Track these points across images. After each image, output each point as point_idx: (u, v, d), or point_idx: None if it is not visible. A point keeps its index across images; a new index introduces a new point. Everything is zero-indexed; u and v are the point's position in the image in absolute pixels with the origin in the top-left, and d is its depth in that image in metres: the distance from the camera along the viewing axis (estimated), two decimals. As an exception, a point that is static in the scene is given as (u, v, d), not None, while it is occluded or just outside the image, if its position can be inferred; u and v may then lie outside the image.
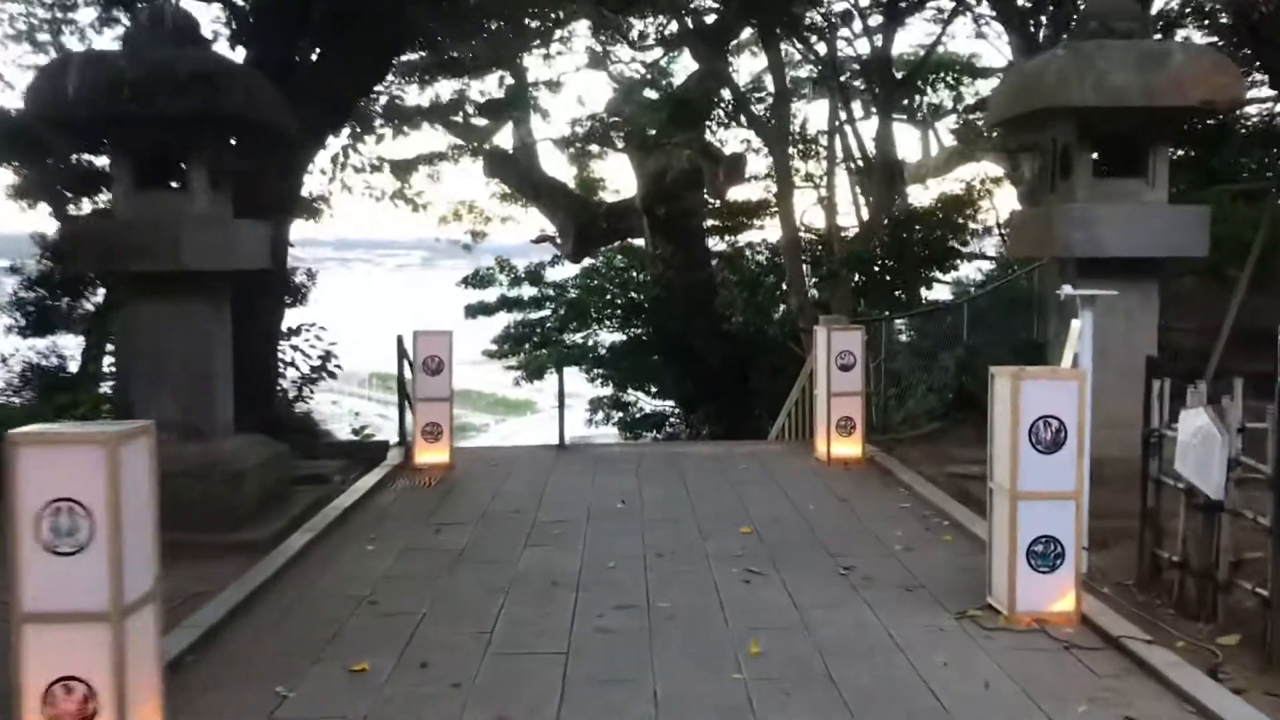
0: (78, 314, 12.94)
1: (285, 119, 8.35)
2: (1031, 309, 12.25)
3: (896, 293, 15.70)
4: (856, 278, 15.65)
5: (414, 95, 18.15)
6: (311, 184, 15.39)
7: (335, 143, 15.87)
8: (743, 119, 17.87)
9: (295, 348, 12.30)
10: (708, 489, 8.77)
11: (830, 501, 8.40)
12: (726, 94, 18.01)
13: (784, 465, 9.65)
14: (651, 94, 19.81)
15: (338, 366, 12.68)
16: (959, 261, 17.22)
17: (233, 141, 8.17)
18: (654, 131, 18.12)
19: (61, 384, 11.41)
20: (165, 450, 4.61)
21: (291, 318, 13.29)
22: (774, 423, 19.48)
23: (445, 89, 18.56)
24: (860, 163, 18.09)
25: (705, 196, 21.23)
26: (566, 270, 22.67)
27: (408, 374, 10.07)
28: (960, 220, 17.30)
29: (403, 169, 20.34)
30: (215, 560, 6.60)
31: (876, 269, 15.61)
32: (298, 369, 12.39)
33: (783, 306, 18.90)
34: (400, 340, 10.08)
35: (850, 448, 9.89)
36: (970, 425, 10.28)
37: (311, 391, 12.12)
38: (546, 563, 6.75)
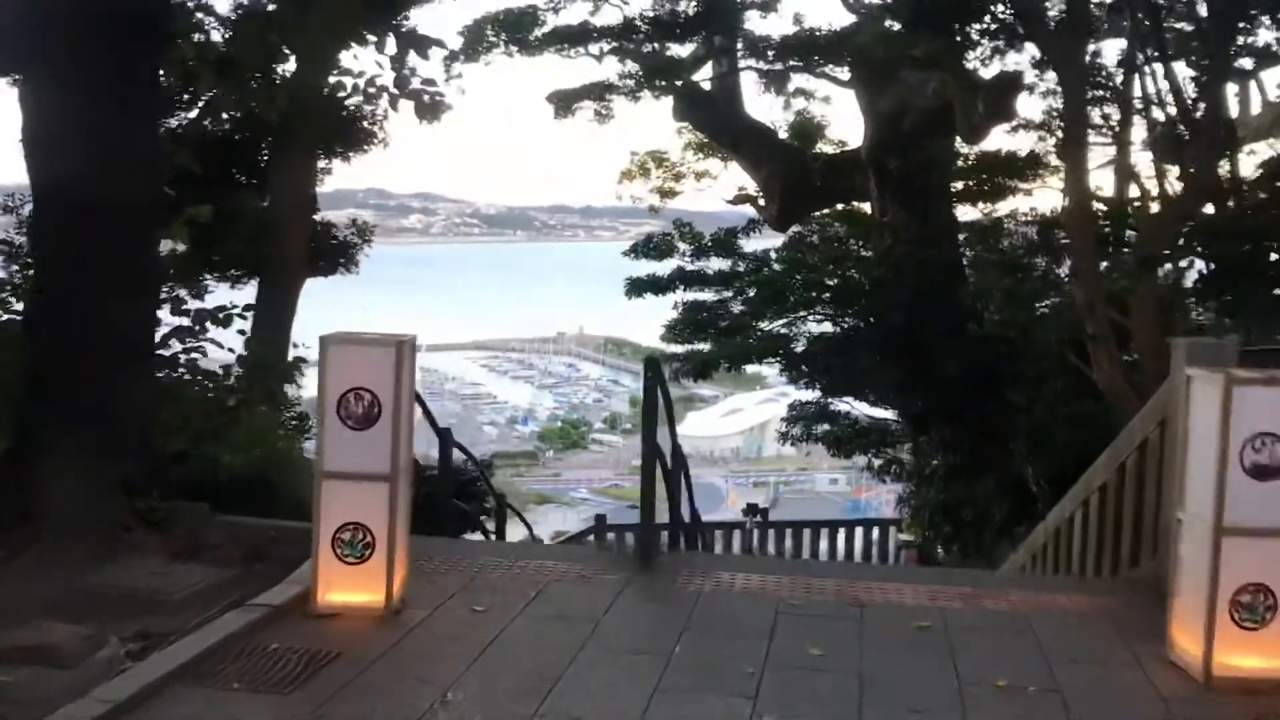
0: None
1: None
2: None
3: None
4: (1200, 266, 10.25)
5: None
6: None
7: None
8: (1020, 28, 12.48)
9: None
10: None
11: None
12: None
13: (1097, 676, 4.29)
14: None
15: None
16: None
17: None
18: (889, 38, 13.03)
19: None
20: None
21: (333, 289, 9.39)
22: (1032, 470, 14.43)
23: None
24: (1171, 116, 12.68)
25: (954, 146, 16.06)
26: (767, 239, 17.93)
27: (328, 416, 5.07)
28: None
29: (565, 101, 16.11)
30: None
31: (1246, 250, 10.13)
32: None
33: (1052, 300, 13.83)
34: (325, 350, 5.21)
35: (1264, 659, 4.23)
36: None
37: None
38: None
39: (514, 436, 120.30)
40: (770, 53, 16.61)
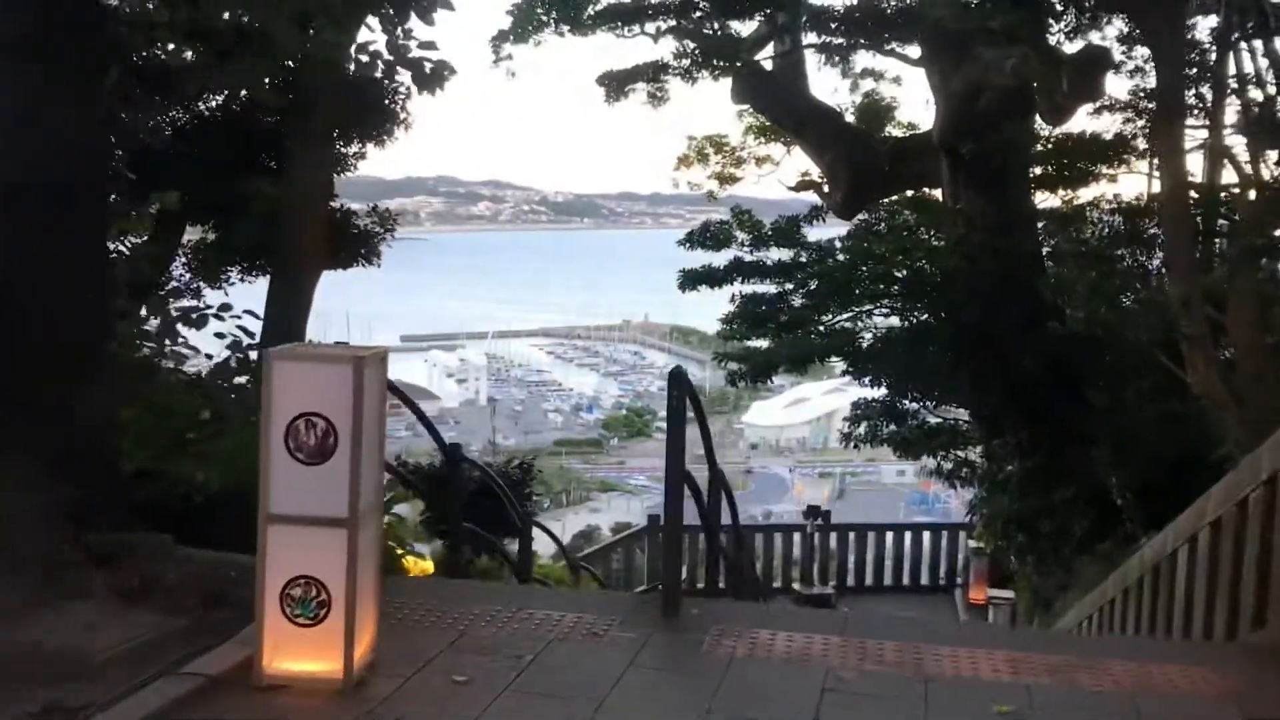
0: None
1: None
2: None
3: None
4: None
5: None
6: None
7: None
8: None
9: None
10: None
11: None
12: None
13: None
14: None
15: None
16: None
17: None
18: (964, 10, 11.97)
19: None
20: None
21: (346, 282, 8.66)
22: (1116, 478, 13.33)
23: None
24: (1270, 95, 11.53)
25: (1033, 128, 14.95)
26: (831, 228, 16.95)
27: (273, 447, 3.92)
28: None
29: (617, 83, 15.25)
30: None
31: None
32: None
33: (1140, 294, 12.73)
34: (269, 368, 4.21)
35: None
36: None
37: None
38: None
39: (578, 424, 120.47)
40: (836, 28, 15.58)
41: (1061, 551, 13.35)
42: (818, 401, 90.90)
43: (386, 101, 9.86)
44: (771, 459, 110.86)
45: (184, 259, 10.32)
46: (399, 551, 6.84)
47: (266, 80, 7.85)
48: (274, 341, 8.52)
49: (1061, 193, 16.34)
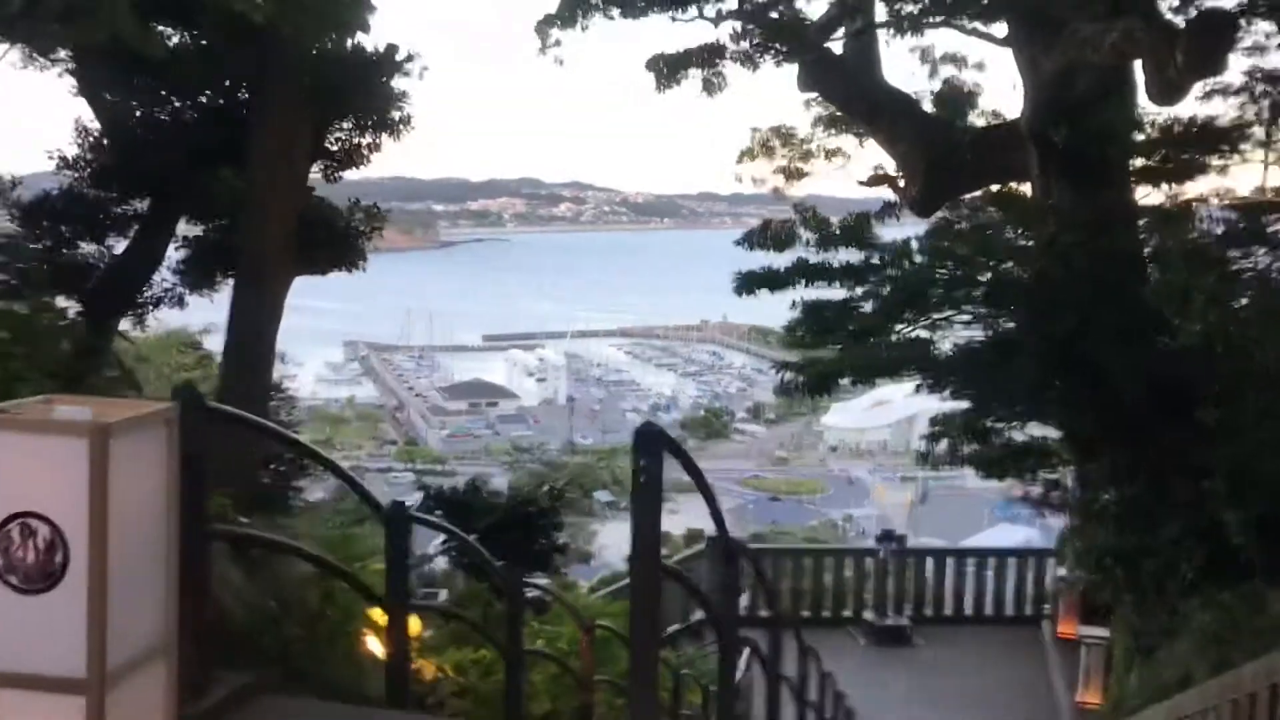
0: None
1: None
2: None
3: None
4: None
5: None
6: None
7: None
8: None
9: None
10: None
11: None
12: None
13: None
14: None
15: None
16: None
17: None
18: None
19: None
20: None
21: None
22: (1233, 513, 11.66)
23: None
24: None
25: (1135, 114, 13.34)
26: (906, 227, 15.45)
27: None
28: None
29: (669, 68, 13.96)
30: None
31: None
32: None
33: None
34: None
35: None
36: None
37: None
38: None
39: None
40: (913, 6, 14.08)
41: (1166, 592, 11.77)
42: (900, 404, 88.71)
43: (383, 80, 8.68)
44: (852, 462, 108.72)
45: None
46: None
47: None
48: (237, 360, 7.40)
49: (1165, 187, 14.69)
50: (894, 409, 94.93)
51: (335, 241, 8.87)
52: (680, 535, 60.44)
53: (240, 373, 7.81)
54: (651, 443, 3.05)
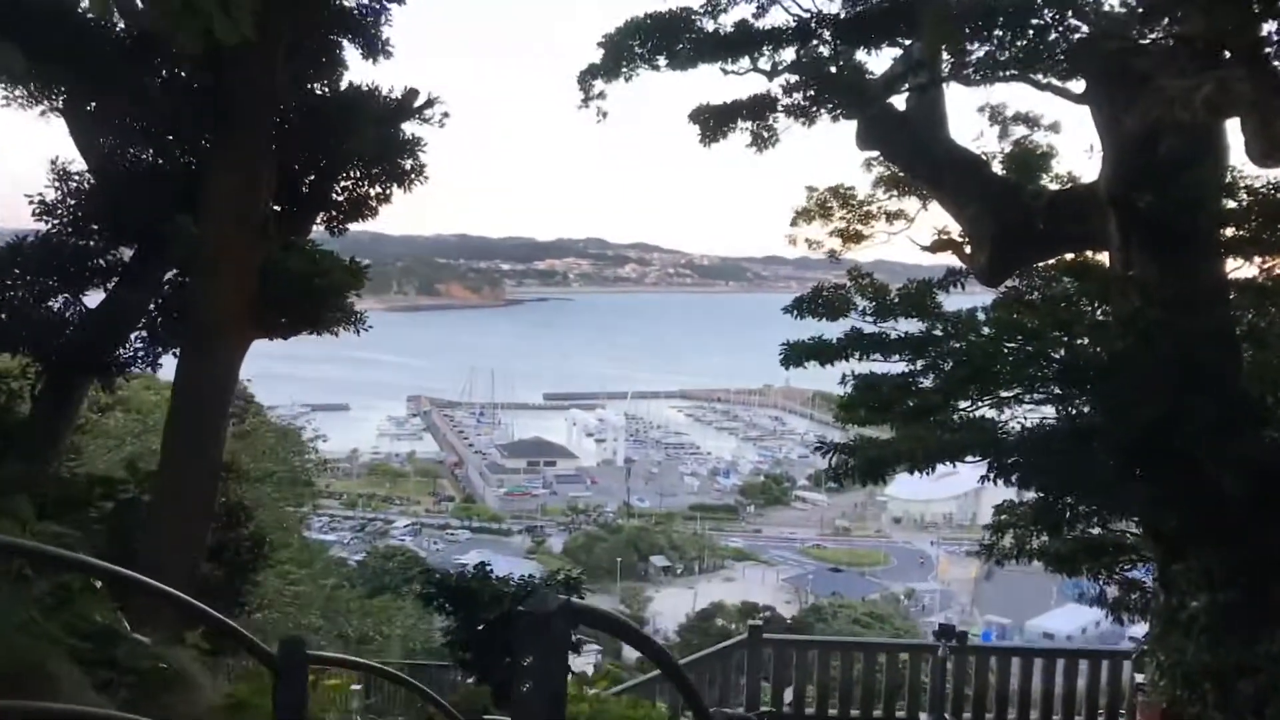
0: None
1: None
2: None
3: None
4: None
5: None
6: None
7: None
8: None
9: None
10: None
11: None
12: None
13: None
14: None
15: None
16: None
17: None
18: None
19: None
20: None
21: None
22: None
23: None
24: None
25: (1225, 179, 12.13)
26: (973, 297, 14.25)
27: None
28: None
29: (715, 120, 13.03)
30: None
31: None
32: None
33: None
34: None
35: None
36: None
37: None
38: None
39: (715, 489, 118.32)
40: (983, 61, 13.04)
41: (1265, 717, 10.36)
42: (967, 475, 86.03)
43: (390, 127, 7.78)
44: (915, 534, 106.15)
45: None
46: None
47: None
48: (179, 434, 6.47)
49: (1261, 259, 13.38)
50: (960, 480, 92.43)
51: (303, 301, 7.85)
52: (735, 606, 58.88)
53: (179, 448, 6.87)
54: (535, 625, 1.98)
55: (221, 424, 6.92)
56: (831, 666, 15.79)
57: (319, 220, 9.24)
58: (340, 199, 9.29)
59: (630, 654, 61.88)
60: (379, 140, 8.87)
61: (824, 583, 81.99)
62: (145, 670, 4.00)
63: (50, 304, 8.87)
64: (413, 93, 9.63)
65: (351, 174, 9.19)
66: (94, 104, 8.46)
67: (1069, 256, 14.71)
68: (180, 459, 6.89)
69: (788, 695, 15.94)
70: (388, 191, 9.34)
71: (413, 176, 9.26)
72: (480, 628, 9.19)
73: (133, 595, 3.89)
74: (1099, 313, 13.46)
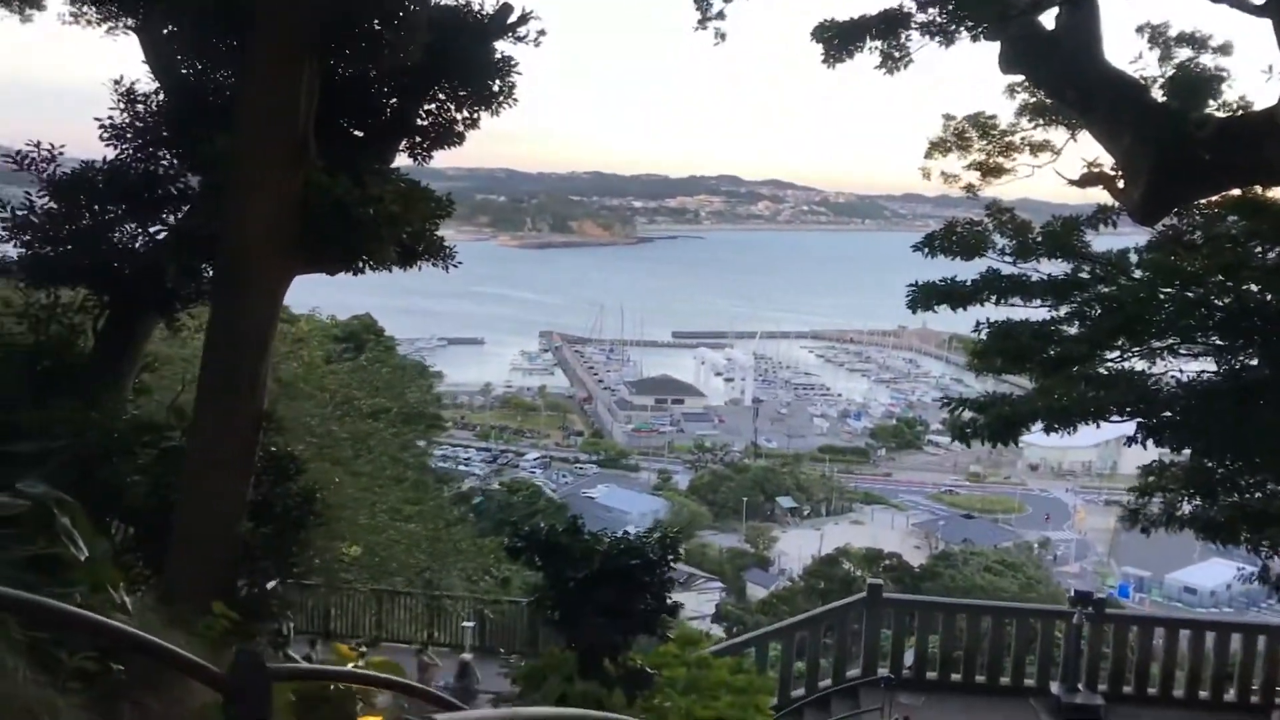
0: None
1: None
2: None
3: None
4: None
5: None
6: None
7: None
8: None
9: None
10: None
11: None
12: None
13: None
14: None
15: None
16: None
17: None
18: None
19: None
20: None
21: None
22: None
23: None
24: None
25: None
26: (1125, 236, 12.94)
27: None
28: None
29: (840, 38, 11.95)
30: None
31: None
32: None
33: None
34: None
35: None
36: None
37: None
38: None
39: (844, 431, 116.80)
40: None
41: None
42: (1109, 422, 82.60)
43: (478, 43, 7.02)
44: (1052, 482, 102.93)
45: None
46: None
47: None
48: (214, 379, 5.93)
49: None
50: (1101, 428, 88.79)
51: (349, 234, 7.09)
52: (860, 551, 57.77)
53: (213, 393, 6.30)
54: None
55: (260, 366, 6.33)
56: (957, 630, 14.89)
57: (401, 147, 8.63)
58: (425, 123, 8.63)
59: (755, 593, 61.23)
60: (469, 58, 8.16)
61: (955, 529, 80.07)
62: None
63: (116, 233, 8.51)
64: (506, 7, 8.89)
65: (438, 96, 8.54)
66: (171, 24, 7.97)
67: (1236, 192, 13.26)
68: (214, 406, 6.34)
69: (908, 658, 15.09)
70: (475, 116, 8.64)
71: (500, 100, 8.54)
72: (570, 585, 8.57)
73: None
74: (1271, 255, 12.06)
